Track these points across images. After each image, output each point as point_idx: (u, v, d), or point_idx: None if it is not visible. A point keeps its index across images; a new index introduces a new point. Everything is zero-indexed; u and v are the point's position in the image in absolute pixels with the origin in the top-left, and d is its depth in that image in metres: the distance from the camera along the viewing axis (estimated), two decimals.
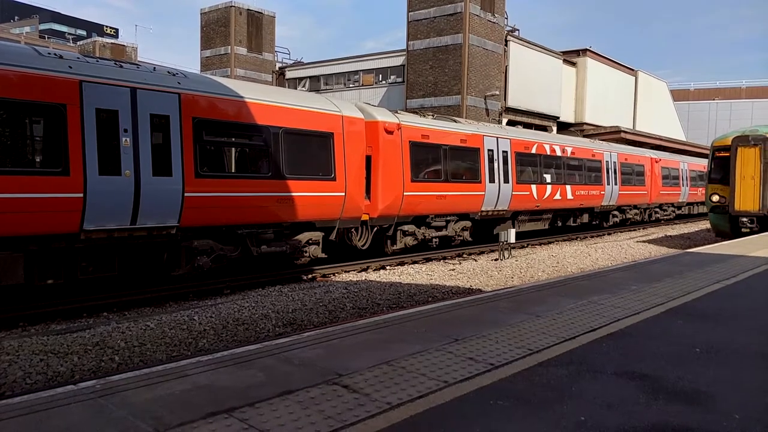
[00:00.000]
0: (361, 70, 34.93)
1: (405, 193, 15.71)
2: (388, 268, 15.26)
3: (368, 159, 14.93)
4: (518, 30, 32.34)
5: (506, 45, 30.51)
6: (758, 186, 17.94)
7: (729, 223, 18.88)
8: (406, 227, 16.47)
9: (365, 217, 14.97)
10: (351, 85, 35.27)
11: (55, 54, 9.83)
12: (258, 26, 39.90)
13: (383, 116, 15.58)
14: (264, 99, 12.49)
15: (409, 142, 15.98)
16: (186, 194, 10.80)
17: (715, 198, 19.20)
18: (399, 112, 17.41)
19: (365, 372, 3.73)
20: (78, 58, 10.12)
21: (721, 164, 19.03)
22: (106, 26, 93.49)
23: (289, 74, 38.98)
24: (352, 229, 15.10)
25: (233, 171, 12.37)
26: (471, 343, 4.43)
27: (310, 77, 37.80)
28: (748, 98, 60.65)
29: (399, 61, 32.54)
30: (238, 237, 12.10)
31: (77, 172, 9.48)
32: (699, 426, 3.07)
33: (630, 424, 3.07)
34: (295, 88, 35.96)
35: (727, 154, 18.61)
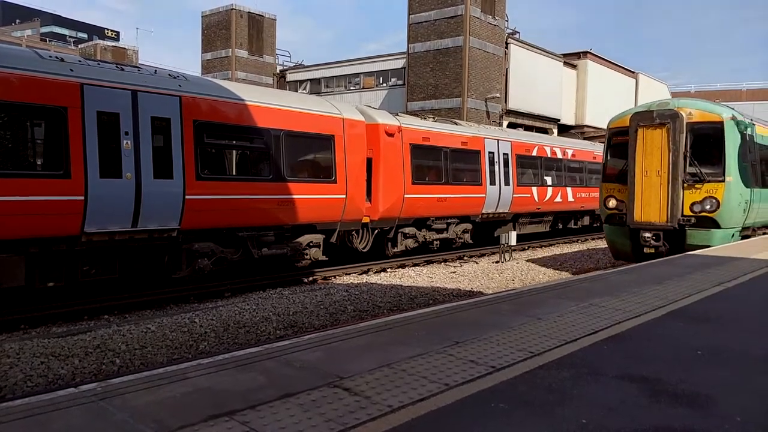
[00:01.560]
0: (361, 73, 34.96)
1: (406, 196, 15.72)
2: (388, 270, 15.26)
3: (369, 161, 14.96)
4: (519, 32, 32.37)
5: (507, 47, 30.53)
6: (665, 185, 12.51)
7: (630, 240, 13.33)
8: (406, 229, 16.47)
9: (366, 220, 14.97)
10: (352, 88, 35.30)
11: (56, 57, 9.85)
12: (259, 29, 39.97)
13: (384, 119, 15.59)
14: (265, 102, 12.51)
15: (410, 144, 16.00)
16: (187, 197, 10.81)
17: (611, 203, 13.65)
18: (400, 114, 17.43)
19: (366, 375, 3.73)
20: (79, 61, 10.14)
21: (619, 154, 13.65)
22: (108, 29, 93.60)
23: (290, 77, 39.02)
24: (353, 232, 15.11)
25: (234, 173, 12.39)
26: (472, 346, 4.43)
27: (310, 80, 37.84)
28: (749, 100, 60.62)
29: (400, 63, 32.57)
30: (238, 239, 12.11)
31: (78, 174, 9.50)
32: (701, 429, 3.06)
33: (632, 426, 3.06)
34: (296, 91, 35.99)
35: (627, 139, 13.24)
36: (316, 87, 37.08)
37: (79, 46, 53.85)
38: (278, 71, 40.30)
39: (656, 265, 9.25)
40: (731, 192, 12.41)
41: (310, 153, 13.53)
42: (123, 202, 10.01)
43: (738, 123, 12.85)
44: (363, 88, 34.70)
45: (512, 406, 3.30)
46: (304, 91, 36.65)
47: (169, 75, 11.21)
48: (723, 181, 12.38)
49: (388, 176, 15.34)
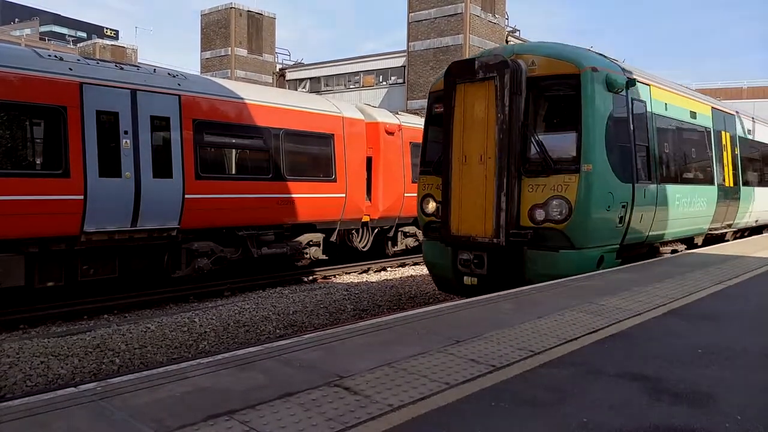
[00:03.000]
0: (361, 71, 34.94)
1: (406, 194, 15.71)
2: (389, 269, 15.25)
3: (369, 160, 14.95)
4: (519, 30, 32.34)
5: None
6: (493, 177, 8.03)
7: (451, 262, 8.71)
8: (407, 228, 16.47)
9: (366, 219, 14.97)
10: (351, 86, 35.27)
11: (55, 56, 9.84)
12: (258, 27, 39.94)
13: (384, 117, 15.58)
14: (264, 100, 12.50)
15: (410, 143, 15.98)
16: (186, 196, 10.80)
17: (430, 206, 9.22)
18: (399, 113, 17.42)
19: (366, 374, 3.72)
20: (78, 60, 10.13)
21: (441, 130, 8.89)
22: (107, 28, 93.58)
23: (290, 75, 38.99)
24: (353, 231, 15.10)
25: (234, 173, 12.38)
26: (472, 345, 4.42)
27: (310, 78, 37.81)
28: (750, 98, 60.59)
29: (400, 62, 32.54)
30: (238, 238, 12.10)
31: (78, 174, 9.49)
32: (701, 427, 3.05)
33: (632, 425, 3.05)
34: (296, 90, 35.97)
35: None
36: (316, 85, 37.05)
37: (78, 45, 53.85)
38: (278, 70, 40.28)
39: (656, 263, 9.25)
40: (592, 189, 7.79)
41: (310, 152, 13.52)
42: (122, 202, 10.00)
43: (609, 79, 8.16)
44: (363, 86, 34.68)
45: (513, 405, 3.29)
46: (304, 90, 36.63)
47: (169, 74, 11.19)
48: (577, 171, 7.79)
49: (388, 175, 15.34)
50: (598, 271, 8.23)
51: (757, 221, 15.33)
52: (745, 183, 13.65)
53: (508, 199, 7.92)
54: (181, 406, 3.15)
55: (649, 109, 9.41)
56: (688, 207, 10.58)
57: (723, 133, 12.66)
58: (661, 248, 10.51)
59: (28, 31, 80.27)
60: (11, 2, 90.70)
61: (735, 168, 13.11)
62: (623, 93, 8.57)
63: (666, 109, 10.08)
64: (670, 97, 10.39)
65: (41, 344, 7.88)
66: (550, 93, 8.29)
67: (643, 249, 9.81)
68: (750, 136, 14.60)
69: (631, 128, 8.79)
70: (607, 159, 8.06)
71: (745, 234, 15.47)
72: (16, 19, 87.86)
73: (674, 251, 10.82)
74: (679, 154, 10.57)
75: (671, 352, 4.39)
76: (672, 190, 9.93)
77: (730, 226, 13.28)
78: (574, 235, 7.86)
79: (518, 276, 8.12)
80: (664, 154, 9.89)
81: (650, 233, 9.42)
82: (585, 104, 7.91)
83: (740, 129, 13.94)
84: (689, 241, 11.70)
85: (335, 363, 3.93)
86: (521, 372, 3.86)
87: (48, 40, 70.84)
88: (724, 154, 12.61)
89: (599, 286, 7.00)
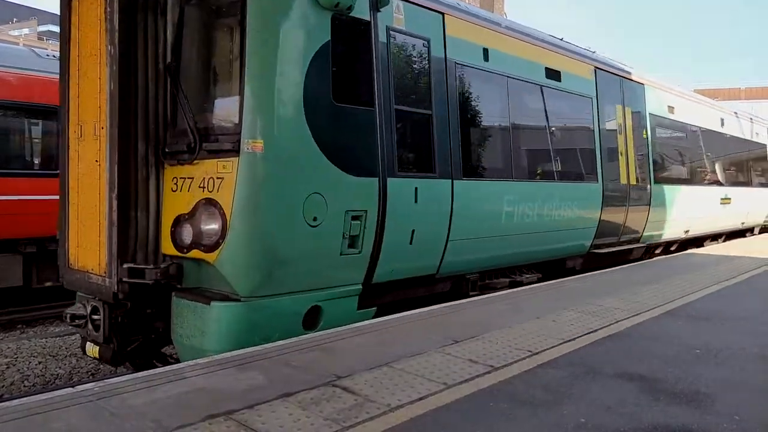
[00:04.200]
0: None
1: None
2: None
3: None
4: None
5: None
6: (105, 163, 4.72)
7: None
8: None
9: None
10: None
11: (53, 56, 9.84)
12: None
13: None
14: None
15: None
16: None
17: None
18: None
19: (365, 374, 3.72)
20: None
21: None
22: None
23: None
24: None
25: None
26: (470, 345, 4.43)
27: None
28: (747, 99, 60.66)
29: None
30: None
31: None
32: (699, 427, 3.06)
33: (630, 425, 3.06)
34: None
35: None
36: None
37: None
38: None
39: (655, 263, 9.26)
40: (264, 186, 4.56)
41: None
42: None
43: None
44: None
45: (511, 405, 3.29)
46: None
47: None
48: (237, 151, 4.46)
49: None
50: (593, 273, 8.08)
51: (688, 231, 11.48)
52: (661, 180, 10.12)
53: (122, 205, 4.60)
54: (179, 407, 3.15)
55: (437, 54, 5.90)
56: (539, 215, 7.18)
57: (620, 108, 9.18)
58: (483, 282, 6.84)
59: (26, 30, 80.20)
60: (9, 2, 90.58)
61: (643, 159, 9.66)
62: (363, 15, 5.08)
63: (486, 57, 6.45)
64: (495, 40, 6.59)
65: (39, 344, 7.87)
66: (208, 9, 4.94)
67: (444, 285, 6.37)
68: (672, 116, 10.82)
69: (380, 79, 5.22)
70: (308, 130, 4.63)
71: (671, 249, 11.47)
72: (15, 19, 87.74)
73: (515, 285, 7.17)
74: (517, 134, 7.16)
75: (669, 353, 4.40)
76: (496, 189, 6.62)
77: (637, 240, 9.69)
78: (233, 273, 4.49)
79: (161, 344, 5.06)
80: (475, 131, 6.54)
81: (446, 260, 6.03)
82: (253, 26, 4.47)
83: (655, 105, 10.17)
84: (553, 266, 8.03)
85: (333, 363, 3.94)
86: (519, 372, 3.86)
87: (47, 39, 70.76)
88: (621, 137, 9.09)
89: (597, 287, 7.01)
